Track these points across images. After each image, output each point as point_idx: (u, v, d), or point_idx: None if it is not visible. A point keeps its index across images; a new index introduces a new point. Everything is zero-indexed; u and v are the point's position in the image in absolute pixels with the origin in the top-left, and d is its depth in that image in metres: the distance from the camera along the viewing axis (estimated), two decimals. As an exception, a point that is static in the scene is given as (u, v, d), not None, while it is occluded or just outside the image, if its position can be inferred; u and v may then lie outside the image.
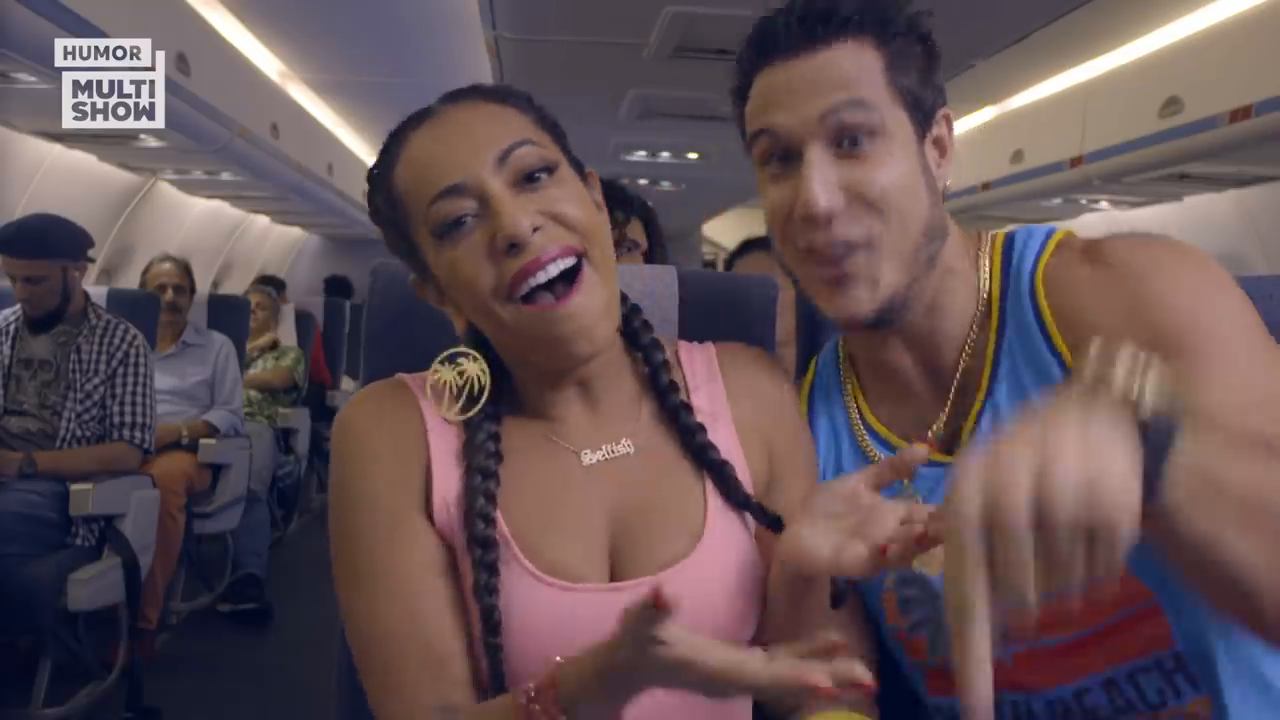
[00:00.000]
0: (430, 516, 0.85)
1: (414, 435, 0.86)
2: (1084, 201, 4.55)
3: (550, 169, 0.83)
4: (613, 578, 0.84)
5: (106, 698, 2.73)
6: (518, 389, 0.90)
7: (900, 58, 0.86)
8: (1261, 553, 0.63)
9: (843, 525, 0.78)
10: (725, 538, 0.87)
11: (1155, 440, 0.60)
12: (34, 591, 2.46)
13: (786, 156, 0.87)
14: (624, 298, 0.92)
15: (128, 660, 2.74)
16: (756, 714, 0.94)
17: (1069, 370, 0.85)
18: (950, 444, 0.93)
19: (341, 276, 7.72)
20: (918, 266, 0.88)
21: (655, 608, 0.61)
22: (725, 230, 9.37)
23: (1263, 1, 2.82)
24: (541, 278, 0.80)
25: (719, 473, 0.89)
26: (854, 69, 0.85)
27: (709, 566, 0.84)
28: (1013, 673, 0.90)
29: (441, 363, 0.87)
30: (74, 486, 2.61)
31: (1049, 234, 0.93)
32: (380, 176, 0.88)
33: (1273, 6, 2.79)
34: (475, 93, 0.87)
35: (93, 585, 2.57)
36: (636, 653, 0.64)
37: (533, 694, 0.70)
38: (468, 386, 0.86)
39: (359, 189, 6.54)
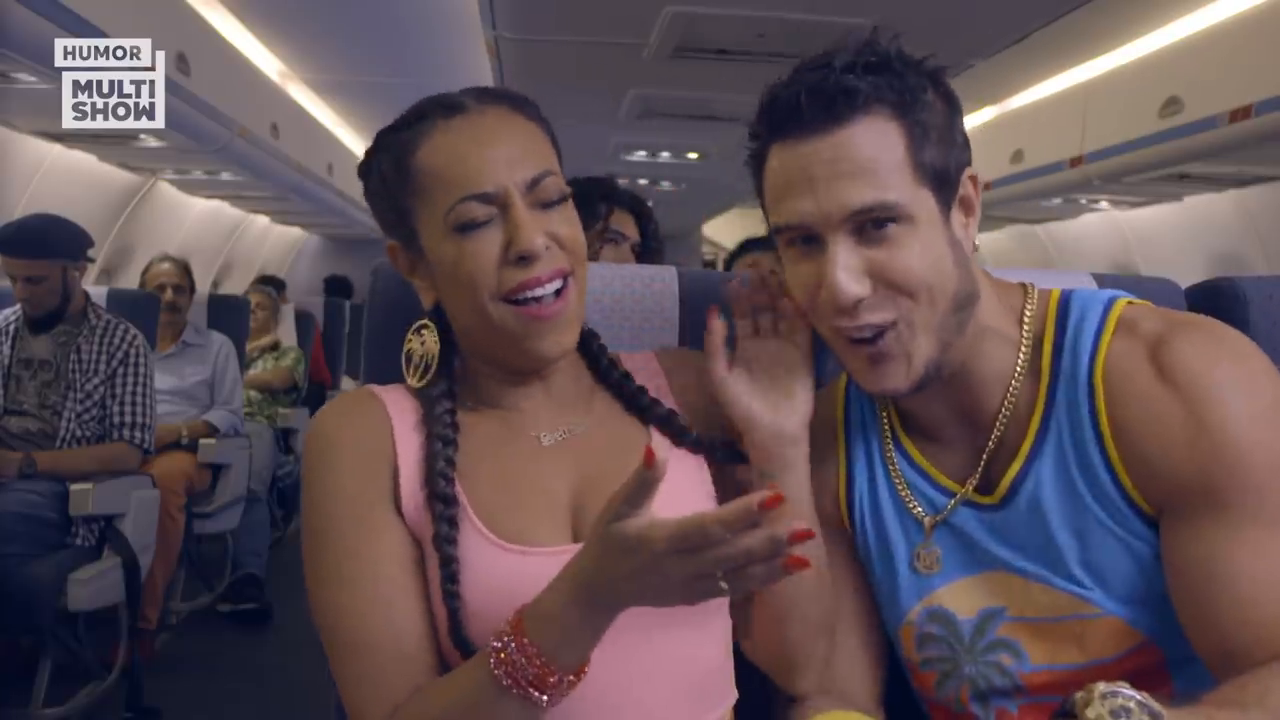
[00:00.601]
0: (399, 513, 0.88)
1: (380, 436, 0.91)
2: (1084, 201, 4.55)
3: (564, 198, 0.90)
4: (575, 541, 0.89)
5: (106, 698, 2.72)
6: (477, 383, 0.95)
7: (921, 128, 0.83)
8: None
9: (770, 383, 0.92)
10: (681, 488, 0.91)
11: None
12: (34, 591, 2.45)
13: (809, 240, 0.86)
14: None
15: (128, 660, 2.74)
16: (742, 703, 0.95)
17: (1116, 477, 0.85)
18: (985, 486, 0.93)
19: (341, 276, 7.71)
20: (949, 335, 0.87)
21: (648, 470, 0.67)
22: (725, 230, 9.37)
23: (1263, 1, 2.82)
24: (538, 292, 0.87)
25: (665, 421, 0.95)
26: (874, 152, 0.82)
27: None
28: None
29: (412, 334, 0.95)
30: (74, 486, 2.60)
31: (1108, 306, 0.90)
32: (395, 146, 0.91)
33: (1273, 6, 2.79)
34: (504, 99, 0.92)
35: (93, 585, 2.57)
36: (605, 544, 0.70)
37: (502, 644, 0.74)
38: (426, 358, 0.93)
39: (359, 189, 6.52)
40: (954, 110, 0.88)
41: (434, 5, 3.49)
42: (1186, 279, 1.21)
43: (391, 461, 0.90)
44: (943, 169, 0.85)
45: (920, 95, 0.84)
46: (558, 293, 0.88)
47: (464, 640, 0.83)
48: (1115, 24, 3.15)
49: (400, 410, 0.92)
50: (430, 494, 0.87)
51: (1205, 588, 0.80)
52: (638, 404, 0.97)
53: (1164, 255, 4.67)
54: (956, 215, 0.88)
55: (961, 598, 0.92)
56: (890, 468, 0.98)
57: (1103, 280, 1.16)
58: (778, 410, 0.92)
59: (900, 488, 0.97)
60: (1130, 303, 0.91)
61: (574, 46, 3.10)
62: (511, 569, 0.85)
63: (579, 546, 0.84)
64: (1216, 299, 1.14)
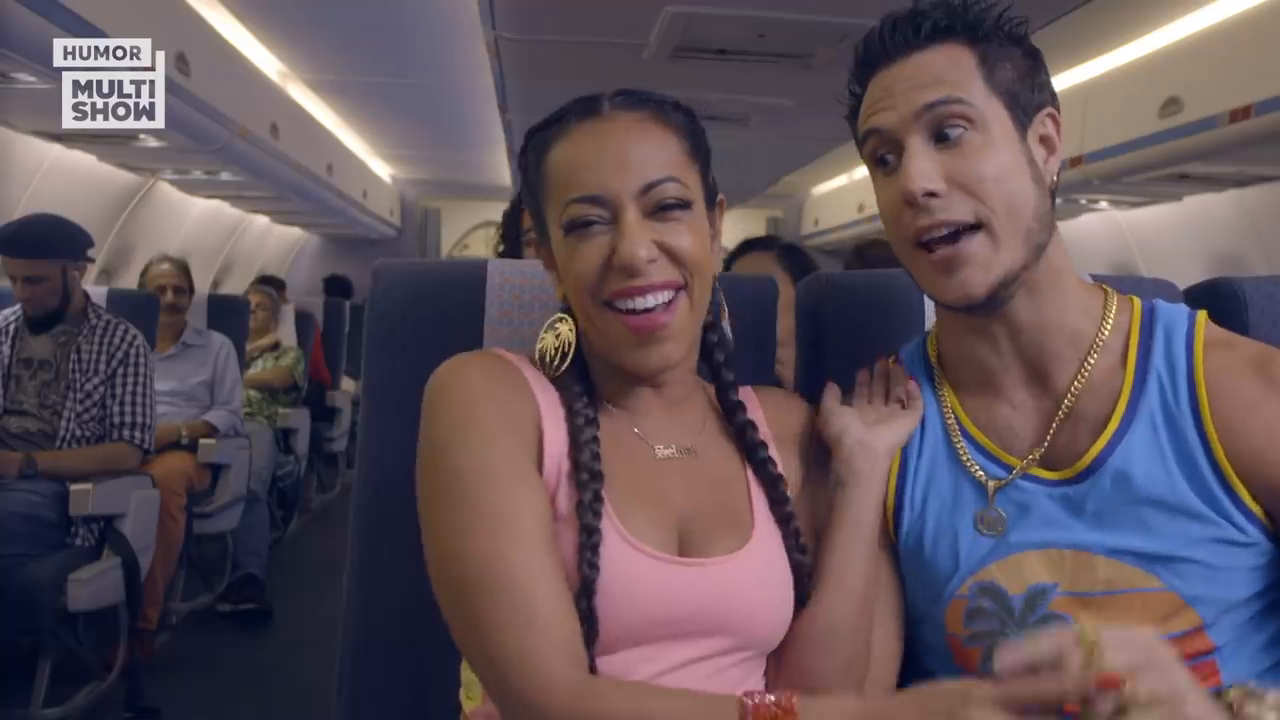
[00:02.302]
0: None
1: (526, 400, 0.90)
2: (1084, 201, 4.55)
3: (685, 205, 0.89)
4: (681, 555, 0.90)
5: (106, 698, 2.73)
6: (598, 380, 0.95)
7: (995, 58, 0.91)
8: None
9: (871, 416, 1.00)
10: (768, 541, 0.94)
11: None
12: (34, 591, 2.45)
13: (892, 154, 0.92)
14: (716, 326, 1.00)
15: (127, 660, 2.74)
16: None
17: (1223, 476, 0.88)
18: (1052, 462, 0.95)
19: (341, 276, 7.71)
20: (1030, 253, 0.91)
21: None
22: (725, 230, 9.29)
23: (1263, 1, 2.82)
24: (641, 303, 0.87)
25: (772, 484, 0.96)
26: (948, 67, 0.90)
27: (753, 565, 0.91)
28: None
29: (545, 331, 0.95)
30: (74, 486, 2.60)
31: (1191, 319, 0.95)
32: (538, 144, 0.93)
33: (1273, 6, 2.79)
34: (646, 104, 0.92)
35: (93, 585, 2.57)
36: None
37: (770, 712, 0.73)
38: (561, 347, 0.93)
39: (359, 189, 6.54)
40: (1035, 63, 0.94)
41: (434, 5, 3.49)
42: (1186, 279, 1.21)
43: (537, 427, 0.89)
44: (1018, 94, 0.91)
45: (995, 35, 0.92)
46: (667, 304, 0.88)
47: (592, 609, 0.82)
48: (1115, 24, 3.15)
49: (538, 380, 0.93)
50: (576, 464, 0.87)
51: None
52: (754, 456, 0.97)
53: (1164, 255, 4.67)
54: (1036, 146, 0.93)
55: (1013, 574, 0.94)
56: (951, 434, 1.00)
57: (1103, 281, 1.15)
58: (870, 430, 0.99)
59: (962, 453, 0.99)
60: (1205, 315, 0.97)
61: (574, 46, 3.10)
62: (632, 563, 0.85)
63: (687, 560, 0.88)
64: (1216, 299, 1.14)
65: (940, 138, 0.89)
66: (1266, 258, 3.96)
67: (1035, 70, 0.94)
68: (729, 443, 0.99)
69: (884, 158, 0.93)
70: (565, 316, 0.95)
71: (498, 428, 0.86)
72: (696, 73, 3.13)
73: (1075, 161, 3.73)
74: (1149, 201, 4.43)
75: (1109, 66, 3.57)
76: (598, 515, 0.85)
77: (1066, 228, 5.31)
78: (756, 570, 0.91)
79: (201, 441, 3.46)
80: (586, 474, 0.86)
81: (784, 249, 1.96)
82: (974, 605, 0.96)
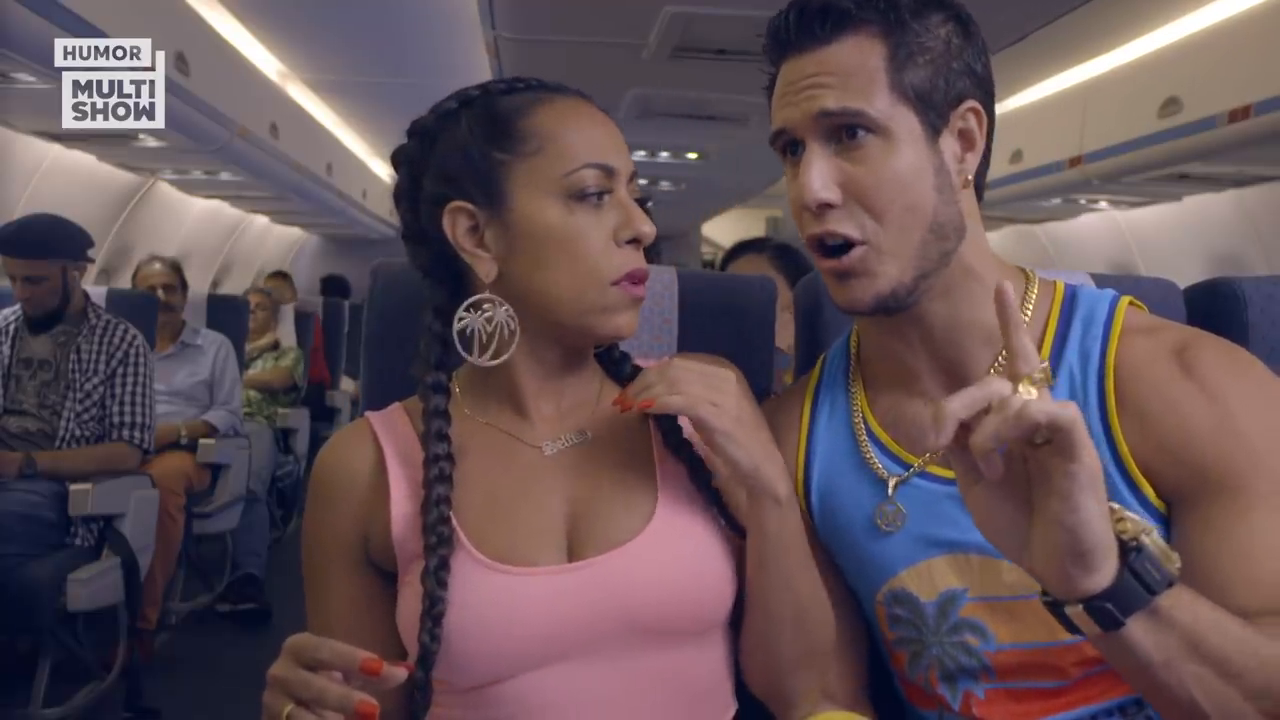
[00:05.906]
0: (390, 540, 0.90)
1: (366, 474, 0.92)
2: (1083, 201, 4.55)
3: (643, 204, 0.92)
4: (570, 559, 0.87)
5: (106, 698, 2.73)
6: (511, 370, 0.92)
7: (909, 50, 0.86)
8: (1201, 682, 0.72)
9: None
10: (677, 515, 0.89)
11: (1133, 584, 0.70)
12: (33, 591, 2.45)
13: (795, 150, 0.90)
14: None
15: (127, 660, 2.74)
16: (743, 714, 0.95)
17: (1123, 466, 0.86)
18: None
19: (339, 276, 7.69)
20: (925, 262, 0.88)
21: None
22: (725, 230, 9.38)
23: (1263, 1, 2.82)
24: (639, 290, 0.89)
25: (680, 449, 0.91)
26: (851, 66, 0.85)
27: (662, 546, 0.87)
28: (982, 705, 0.91)
29: (465, 310, 0.89)
30: (73, 486, 2.60)
31: (1113, 304, 0.92)
32: (497, 105, 0.89)
33: (1273, 6, 2.79)
34: (594, 104, 0.94)
35: (92, 585, 2.57)
36: None
37: None
38: (496, 332, 0.89)
39: (358, 189, 6.53)
40: (967, 39, 0.89)
41: (434, 5, 3.49)
42: (1186, 279, 1.21)
43: (379, 493, 0.91)
44: (928, 91, 0.86)
45: (914, 17, 0.86)
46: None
47: (427, 680, 0.83)
48: (1115, 24, 3.15)
49: (393, 435, 0.93)
50: (425, 524, 0.86)
51: (1219, 561, 0.81)
52: (660, 423, 0.93)
53: (1163, 255, 4.67)
54: (949, 143, 0.89)
55: (924, 580, 0.92)
56: (856, 433, 0.98)
57: (1102, 280, 1.16)
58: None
59: (865, 450, 0.96)
60: (1131, 301, 0.93)
61: (573, 47, 3.10)
62: (500, 589, 0.84)
63: (573, 565, 0.85)
64: (1216, 299, 1.14)
65: (840, 141, 0.86)
66: (1266, 258, 3.97)
67: (963, 50, 0.88)
68: (635, 420, 0.93)
69: (792, 145, 0.90)
70: (493, 299, 0.88)
71: (320, 526, 0.93)
72: (696, 73, 3.13)
73: (1074, 161, 3.74)
74: (1149, 201, 4.43)
75: (1109, 66, 3.57)
76: (442, 584, 0.83)
77: (1065, 228, 5.32)
78: (660, 551, 0.86)
79: (201, 441, 3.46)
80: (435, 538, 0.85)
81: (777, 250, 1.92)
82: (891, 613, 0.94)
